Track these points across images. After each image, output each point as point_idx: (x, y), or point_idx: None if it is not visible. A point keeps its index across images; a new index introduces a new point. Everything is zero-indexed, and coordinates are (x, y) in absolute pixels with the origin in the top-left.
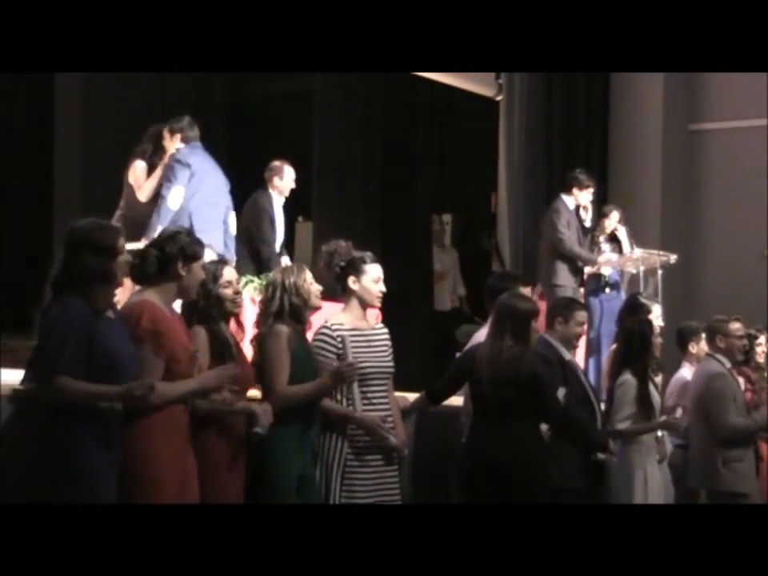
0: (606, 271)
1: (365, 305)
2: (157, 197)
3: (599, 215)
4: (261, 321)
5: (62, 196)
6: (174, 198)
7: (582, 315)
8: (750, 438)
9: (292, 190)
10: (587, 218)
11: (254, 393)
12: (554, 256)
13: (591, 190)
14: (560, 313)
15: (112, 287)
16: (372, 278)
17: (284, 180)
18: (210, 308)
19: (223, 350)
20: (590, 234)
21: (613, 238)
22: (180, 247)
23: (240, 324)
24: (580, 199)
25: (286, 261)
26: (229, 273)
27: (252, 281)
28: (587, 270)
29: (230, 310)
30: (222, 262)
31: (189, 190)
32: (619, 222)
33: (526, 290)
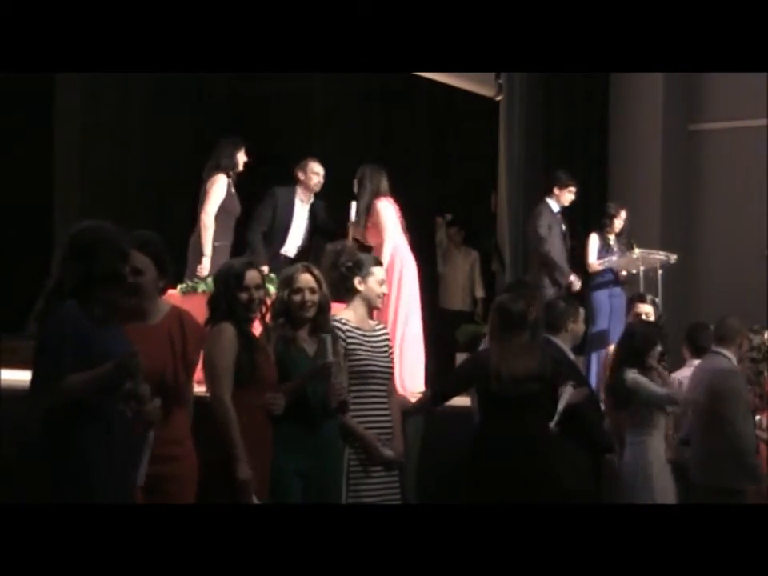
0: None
1: (368, 305)
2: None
3: (607, 215)
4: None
5: (62, 196)
6: None
7: (582, 311)
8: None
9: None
10: (616, 250)
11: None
12: (538, 256)
13: (573, 189)
14: (571, 313)
15: (117, 292)
16: (377, 280)
17: (306, 174)
18: (231, 307)
19: (249, 348)
20: (600, 235)
21: (619, 237)
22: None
23: (263, 325)
24: (563, 199)
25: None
26: (249, 277)
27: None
28: (596, 265)
29: (243, 313)
30: (248, 264)
31: None
32: (626, 219)
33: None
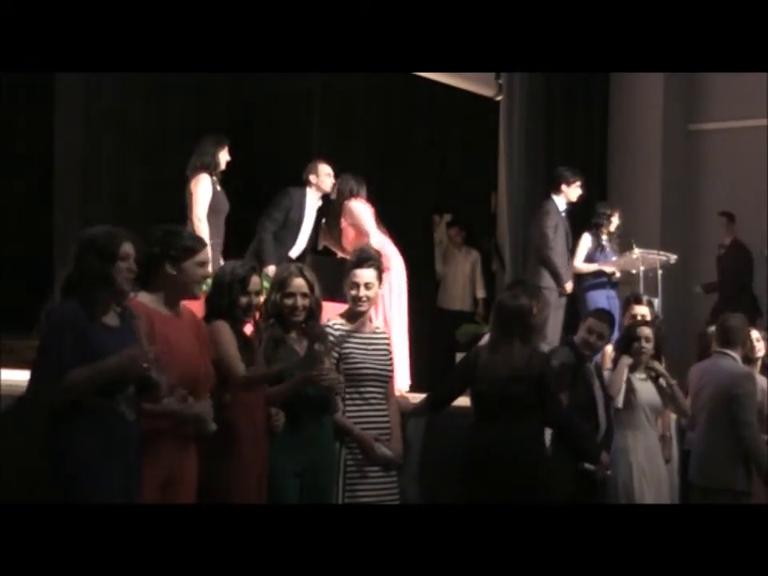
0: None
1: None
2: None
3: (603, 215)
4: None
5: (62, 196)
6: None
7: (590, 323)
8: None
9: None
10: (608, 250)
11: None
12: (540, 258)
13: (579, 183)
14: (583, 319)
15: (112, 292)
16: (350, 281)
17: (319, 176)
18: (231, 309)
19: (245, 347)
20: (593, 235)
21: (612, 237)
22: (166, 247)
23: (255, 326)
24: (570, 195)
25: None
26: (253, 282)
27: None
28: (586, 267)
29: (240, 316)
30: (252, 269)
31: None
32: (620, 219)
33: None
